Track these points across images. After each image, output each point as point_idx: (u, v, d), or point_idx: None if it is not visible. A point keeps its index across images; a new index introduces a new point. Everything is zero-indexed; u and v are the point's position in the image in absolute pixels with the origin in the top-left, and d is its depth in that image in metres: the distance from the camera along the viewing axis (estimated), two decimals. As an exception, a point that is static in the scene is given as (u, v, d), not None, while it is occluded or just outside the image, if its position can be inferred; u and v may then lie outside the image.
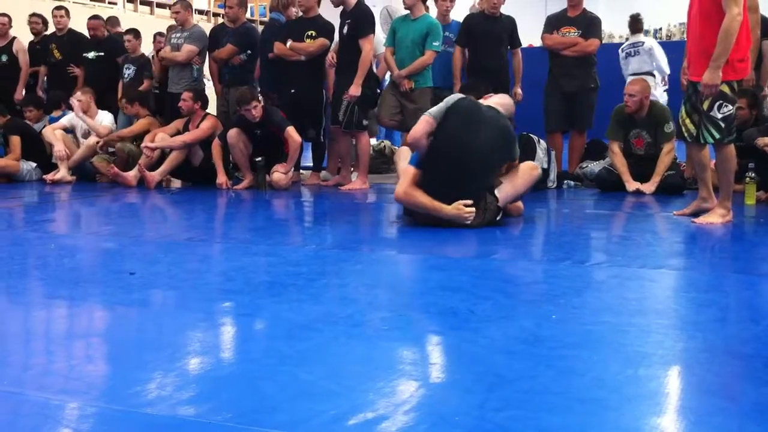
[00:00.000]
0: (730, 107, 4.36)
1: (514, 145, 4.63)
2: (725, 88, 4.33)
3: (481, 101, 4.70)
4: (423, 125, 4.48)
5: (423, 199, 4.36)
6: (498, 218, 4.47)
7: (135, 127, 7.10)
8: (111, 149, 7.01)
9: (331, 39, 6.66)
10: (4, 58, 8.25)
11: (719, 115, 4.36)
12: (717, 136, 4.39)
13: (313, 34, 6.58)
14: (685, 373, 2.07)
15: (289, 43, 6.62)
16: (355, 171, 6.77)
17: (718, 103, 4.35)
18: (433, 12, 7.01)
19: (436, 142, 4.46)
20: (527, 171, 4.67)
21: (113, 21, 9.26)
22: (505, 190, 4.51)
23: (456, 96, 4.63)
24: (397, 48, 6.56)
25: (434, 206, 4.33)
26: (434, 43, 6.43)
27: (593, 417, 1.75)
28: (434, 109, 4.55)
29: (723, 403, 1.84)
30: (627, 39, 9.65)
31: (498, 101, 4.79)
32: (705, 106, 4.39)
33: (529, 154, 6.18)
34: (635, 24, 9.08)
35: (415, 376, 2.03)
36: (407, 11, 6.57)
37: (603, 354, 2.21)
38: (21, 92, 8.24)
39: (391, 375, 2.02)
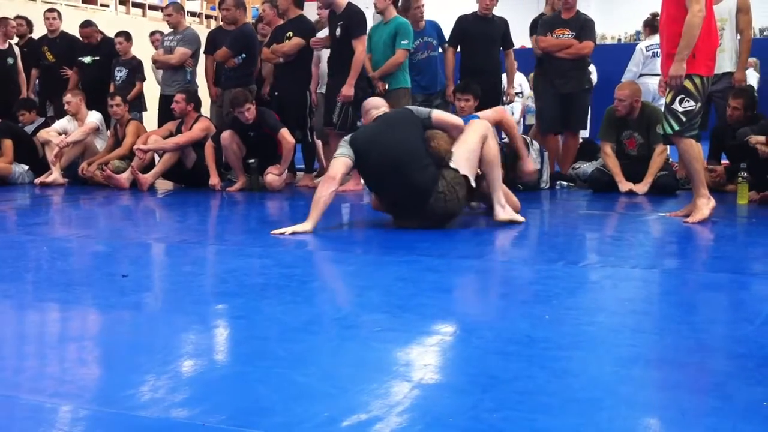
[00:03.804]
0: (692, 104, 4.43)
1: (414, 110, 4.56)
2: (689, 84, 4.42)
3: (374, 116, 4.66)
4: (340, 167, 4.38)
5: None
6: (473, 190, 4.43)
7: (127, 142, 7.03)
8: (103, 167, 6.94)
9: (309, 38, 6.66)
10: (10, 60, 8.22)
11: (680, 109, 4.45)
12: (676, 127, 4.47)
13: (290, 35, 6.61)
14: (679, 373, 2.07)
15: (272, 47, 6.67)
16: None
17: (680, 98, 4.45)
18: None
19: (367, 175, 4.55)
20: (474, 126, 4.53)
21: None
22: (459, 155, 4.37)
23: (347, 138, 4.53)
24: (372, 52, 6.56)
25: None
26: (403, 42, 6.40)
27: (587, 417, 1.75)
28: (344, 149, 4.42)
29: (717, 403, 1.85)
30: (638, 38, 9.36)
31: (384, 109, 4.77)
32: (668, 99, 4.50)
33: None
34: (654, 23, 8.75)
35: (408, 377, 2.03)
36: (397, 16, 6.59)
37: (597, 354, 2.22)
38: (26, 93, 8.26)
39: (385, 376, 2.02)
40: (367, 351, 2.27)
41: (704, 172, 4.83)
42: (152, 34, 9.38)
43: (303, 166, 7.22)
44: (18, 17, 8.70)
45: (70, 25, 8.75)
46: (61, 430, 1.75)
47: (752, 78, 10.16)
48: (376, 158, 4.37)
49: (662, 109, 4.96)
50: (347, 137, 4.57)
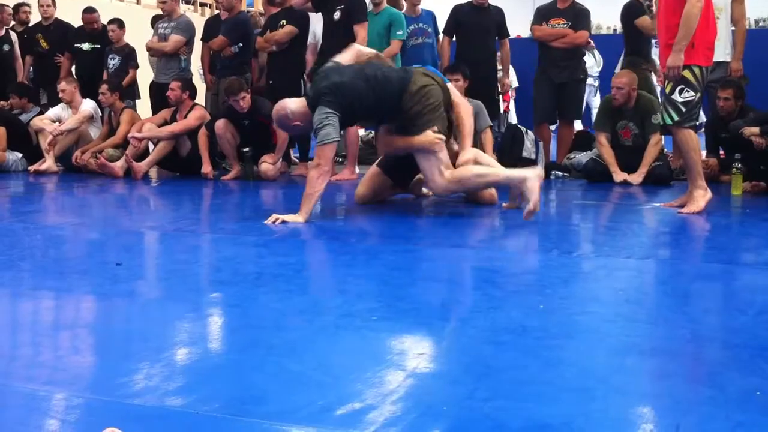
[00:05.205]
0: (692, 94, 4.44)
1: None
2: (688, 74, 4.42)
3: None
4: (331, 154, 4.33)
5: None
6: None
7: (121, 131, 7.00)
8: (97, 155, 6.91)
9: (302, 26, 6.65)
10: (6, 47, 8.18)
11: (680, 99, 4.45)
12: (676, 117, 4.48)
13: (284, 23, 6.60)
14: (673, 363, 2.08)
15: (266, 35, 6.66)
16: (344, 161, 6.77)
17: (679, 88, 4.45)
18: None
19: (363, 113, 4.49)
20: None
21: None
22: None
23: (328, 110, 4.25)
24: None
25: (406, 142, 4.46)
26: (398, 33, 6.41)
27: (581, 406, 1.75)
28: (330, 129, 4.21)
29: (710, 392, 1.85)
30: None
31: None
32: (667, 89, 4.51)
33: (517, 145, 6.20)
34: None
35: (402, 366, 2.03)
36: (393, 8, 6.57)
37: (590, 344, 2.22)
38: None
39: (379, 365, 2.02)
40: (361, 340, 2.27)
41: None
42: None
43: (298, 154, 7.21)
44: (24, 4, 8.69)
45: (65, 13, 8.70)
46: (54, 418, 1.75)
47: None
48: (362, 84, 4.34)
49: (658, 99, 4.96)
50: (326, 109, 4.21)
